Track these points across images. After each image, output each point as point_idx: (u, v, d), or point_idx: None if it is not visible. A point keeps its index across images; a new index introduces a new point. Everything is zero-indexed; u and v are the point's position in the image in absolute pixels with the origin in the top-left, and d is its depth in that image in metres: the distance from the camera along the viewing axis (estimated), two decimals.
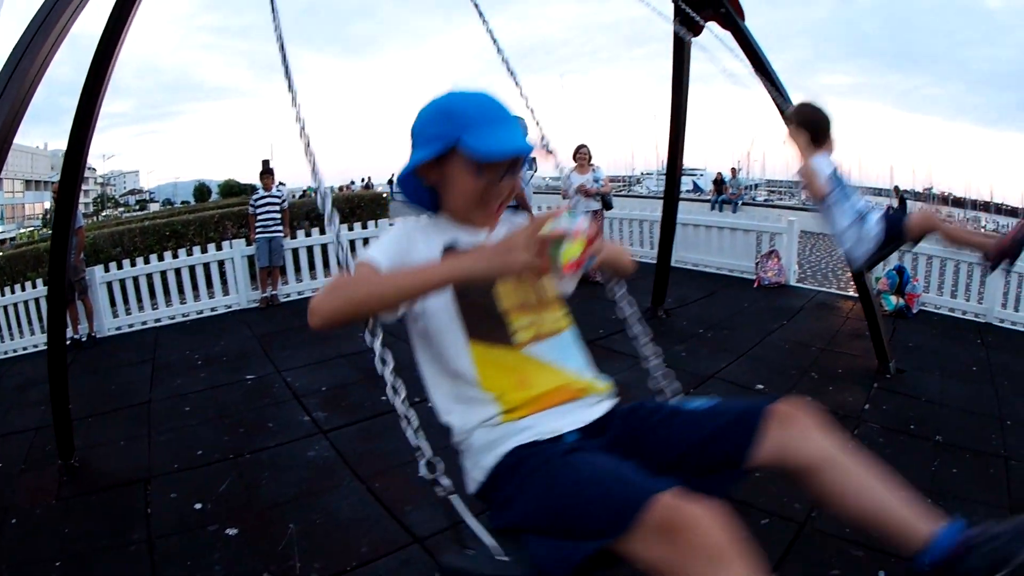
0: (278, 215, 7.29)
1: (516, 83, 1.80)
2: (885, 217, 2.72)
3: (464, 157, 1.12)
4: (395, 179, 1.25)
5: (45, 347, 3.78)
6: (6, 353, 7.01)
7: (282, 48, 1.44)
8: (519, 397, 1.13)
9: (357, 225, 7.76)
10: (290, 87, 1.38)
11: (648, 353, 1.51)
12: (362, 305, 1.03)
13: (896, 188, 20.50)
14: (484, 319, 1.15)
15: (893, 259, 6.56)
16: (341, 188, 35.82)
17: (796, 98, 4.31)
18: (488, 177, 1.14)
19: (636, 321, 1.55)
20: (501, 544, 1.04)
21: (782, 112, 4.27)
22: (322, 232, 7.58)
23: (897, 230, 2.65)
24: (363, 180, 33.33)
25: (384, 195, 13.19)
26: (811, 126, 2.85)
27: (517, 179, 1.21)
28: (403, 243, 1.16)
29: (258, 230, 7.21)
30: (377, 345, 1.14)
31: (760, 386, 4.12)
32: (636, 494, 0.89)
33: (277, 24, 1.50)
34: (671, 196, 5.65)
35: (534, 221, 1.01)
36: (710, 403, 1.19)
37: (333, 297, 1.03)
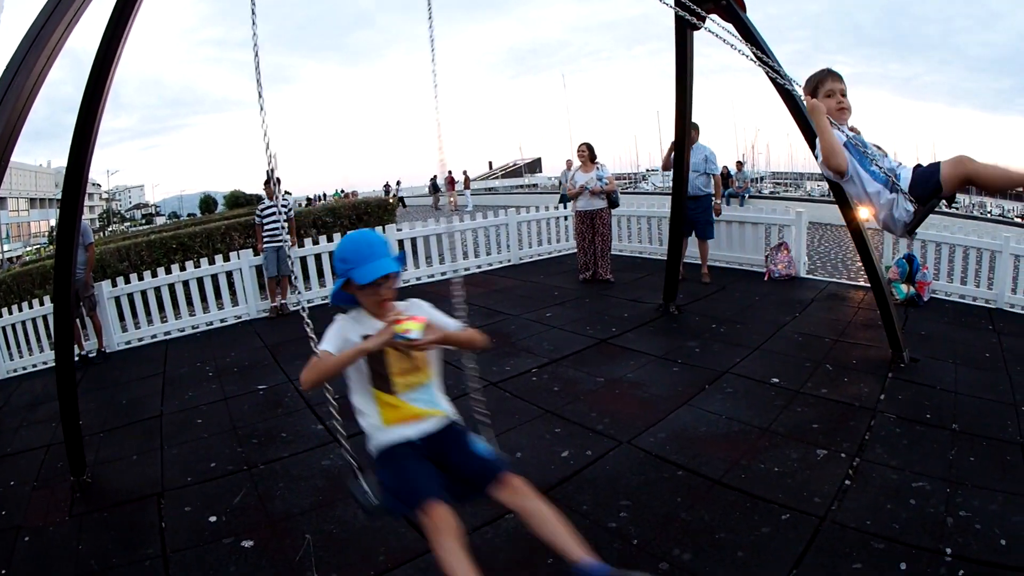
0: (284, 224, 7.26)
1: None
2: (915, 173, 2.41)
3: (355, 283, 1.92)
4: (330, 292, 2.09)
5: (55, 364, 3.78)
6: (16, 371, 7.02)
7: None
8: (392, 416, 1.99)
9: None
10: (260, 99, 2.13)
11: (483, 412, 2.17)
12: (323, 376, 1.87)
13: None
14: (379, 378, 1.98)
15: (903, 247, 6.51)
16: (346, 195, 35.83)
17: (799, 91, 4.28)
18: (371, 291, 1.93)
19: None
20: (375, 489, 1.96)
21: (787, 102, 4.23)
22: (330, 240, 7.59)
23: (931, 185, 2.32)
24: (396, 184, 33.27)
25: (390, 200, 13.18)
26: (809, 85, 2.73)
27: (393, 281, 1.97)
28: (340, 334, 1.95)
29: (265, 239, 7.21)
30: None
31: (775, 380, 4.07)
32: (420, 494, 1.77)
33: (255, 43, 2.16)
34: (679, 192, 5.60)
35: (387, 328, 1.85)
36: (485, 451, 1.99)
37: (310, 373, 1.87)
